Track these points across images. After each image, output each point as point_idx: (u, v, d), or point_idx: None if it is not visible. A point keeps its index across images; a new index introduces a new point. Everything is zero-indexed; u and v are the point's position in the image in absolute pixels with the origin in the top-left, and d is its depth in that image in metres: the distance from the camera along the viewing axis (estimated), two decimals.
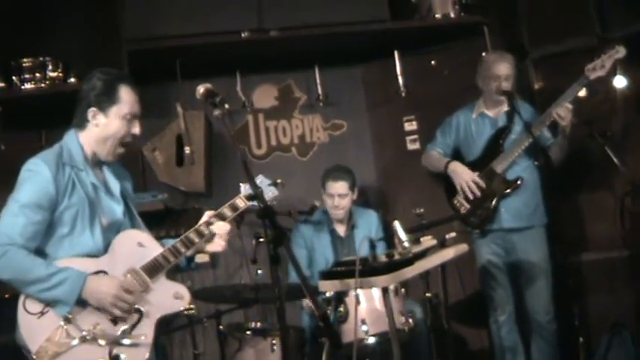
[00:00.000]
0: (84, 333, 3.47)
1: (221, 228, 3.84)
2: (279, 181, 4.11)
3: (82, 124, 3.71)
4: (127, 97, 3.69)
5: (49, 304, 3.47)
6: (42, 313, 3.47)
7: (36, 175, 3.52)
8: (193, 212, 6.23)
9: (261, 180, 4.04)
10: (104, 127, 3.67)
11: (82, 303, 3.48)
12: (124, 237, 3.72)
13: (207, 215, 3.87)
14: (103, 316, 3.53)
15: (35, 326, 3.46)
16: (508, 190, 5.58)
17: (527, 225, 5.63)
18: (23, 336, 3.46)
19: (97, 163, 3.77)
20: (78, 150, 3.68)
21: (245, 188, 3.91)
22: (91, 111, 3.67)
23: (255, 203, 3.74)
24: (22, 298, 3.49)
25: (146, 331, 3.57)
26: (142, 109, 3.79)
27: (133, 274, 3.64)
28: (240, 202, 3.89)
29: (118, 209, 3.78)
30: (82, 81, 3.84)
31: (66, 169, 3.60)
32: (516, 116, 5.56)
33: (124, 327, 3.54)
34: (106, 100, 3.66)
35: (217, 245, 3.87)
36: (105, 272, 3.57)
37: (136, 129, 3.74)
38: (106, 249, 3.65)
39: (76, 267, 3.50)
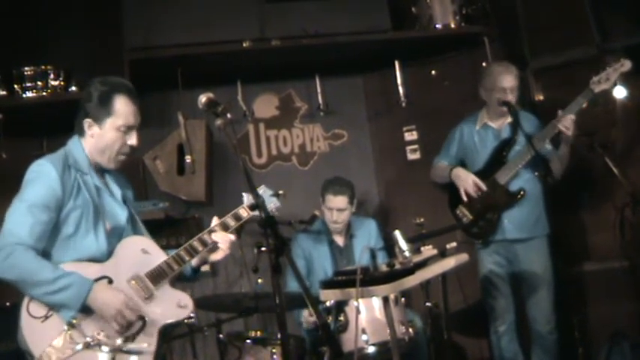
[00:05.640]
0: (88, 339, 3.45)
1: (224, 237, 3.82)
2: (280, 192, 4.11)
3: (81, 132, 3.73)
4: (122, 109, 3.68)
5: (54, 308, 3.45)
6: (46, 317, 3.45)
7: (43, 176, 3.53)
8: (194, 221, 6.26)
9: (263, 190, 4.04)
10: (99, 137, 3.69)
11: (86, 309, 3.47)
12: (128, 243, 3.73)
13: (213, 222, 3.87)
14: (106, 322, 3.51)
15: (39, 330, 3.43)
16: (511, 203, 5.59)
17: (530, 235, 5.64)
18: (26, 340, 3.43)
19: (99, 169, 3.78)
20: (82, 155, 3.69)
21: (248, 198, 3.92)
22: (87, 122, 3.69)
23: (257, 213, 3.78)
24: (25, 301, 3.47)
25: (149, 339, 3.57)
26: (143, 118, 3.78)
27: (137, 281, 3.64)
28: (243, 212, 3.90)
29: (121, 214, 3.78)
30: (83, 89, 3.84)
31: (72, 172, 3.62)
32: (519, 128, 5.56)
33: (127, 334, 3.53)
34: (100, 111, 3.67)
35: (221, 253, 3.85)
36: (109, 278, 3.57)
37: (133, 140, 3.73)
38: (109, 253, 3.65)
39: (80, 272, 3.48)
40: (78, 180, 3.62)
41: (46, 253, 3.51)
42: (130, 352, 3.51)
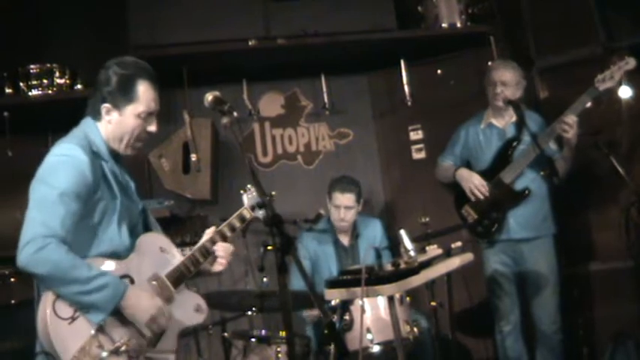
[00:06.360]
0: (117, 344, 3.27)
1: (225, 250, 3.78)
2: (273, 193, 4.02)
3: (96, 116, 3.52)
4: (144, 95, 3.49)
5: (83, 309, 3.23)
6: (73, 319, 3.23)
7: (74, 161, 3.30)
8: (199, 219, 6.27)
9: (254, 190, 3.94)
10: (118, 124, 3.49)
11: (115, 312, 3.29)
12: (147, 239, 3.61)
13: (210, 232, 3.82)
14: (133, 327, 3.36)
15: (66, 333, 3.21)
16: (516, 202, 5.59)
17: (536, 235, 5.63)
18: (53, 343, 3.19)
19: (114, 156, 3.58)
20: (100, 140, 3.49)
21: (248, 198, 3.89)
22: (105, 107, 3.47)
23: (258, 214, 3.80)
24: (50, 300, 3.23)
25: (171, 344, 3.51)
26: None
27: (159, 281, 3.54)
28: (247, 214, 3.84)
29: (136, 207, 3.66)
30: (88, 87, 3.69)
31: (96, 159, 3.42)
32: (524, 127, 5.56)
33: (149, 337, 3.40)
34: (121, 97, 3.46)
35: (219, 266, 3.79)
36: (131, 277, 3.43)
37: (153, 127, 3.56)
38: (130, 248, 3.50)
39: (104, 268, 3.32)
40: (103, 168, 3.44)
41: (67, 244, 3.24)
42: (157, 358, 3.44)
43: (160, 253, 3.62)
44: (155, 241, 3.66)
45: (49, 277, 3.18)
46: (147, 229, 3.74)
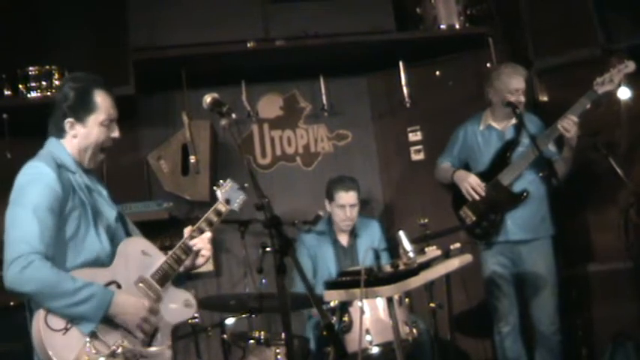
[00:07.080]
0: (112, 347, 3.33)
1: (203, 242, 3.81)
2: (246, 185, 4.03)
3: (60, 134, 3.61)
4: (103, 104, 3.60)
5: (73, 320, 3.30)
6: (66, 330, 3.29)
7: (42, 177, 3.39)
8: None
9: (231, 185, 3.99)
10: (83, 136, 3.58)
11: (106, 318, 3.35)
12: (128, 245, 3.65)
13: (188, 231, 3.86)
14: (126, 329, 3.43)
15: (61, 344, 3.27)
16: (514, 204, 5.59)
17: (533, 237, 5.64)
18: (50, 355, 3.24)
19: (82, 168, 3.65)
20: (66, 155, 3.56)
21: (222, 192, 3.92)
22: (68, 122, 3.57)
23: (233, 208, 3.88)
24: (42, 314, 3.28)
25: (166, 341, 3.55)
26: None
27: (145, 283, 3.58)
28: (222, 207, 3.88)
29: (111, 213, 3.68)
30: (54, 94, 3.70)
31: (63, 172, 3.48)
32: (523, 129, 5.55)
33: (143, 338, 3.46)
34: (81, 109, 3.58)
35: (202, 257, 3.84)
36: (117, 283, 3.48)
37: (116, 132, 3.66)
38: (112, 254, 3.56)
39: (89, 278, 3.36)
40: (70, 180, 3.50)
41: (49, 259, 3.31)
42: (153, 357, 3.47)
43: (143, 256, 3.66)
44: (137, 244, 3.71)
45: (36, 294, 3.26)
46: (127, 234, 3.77)
